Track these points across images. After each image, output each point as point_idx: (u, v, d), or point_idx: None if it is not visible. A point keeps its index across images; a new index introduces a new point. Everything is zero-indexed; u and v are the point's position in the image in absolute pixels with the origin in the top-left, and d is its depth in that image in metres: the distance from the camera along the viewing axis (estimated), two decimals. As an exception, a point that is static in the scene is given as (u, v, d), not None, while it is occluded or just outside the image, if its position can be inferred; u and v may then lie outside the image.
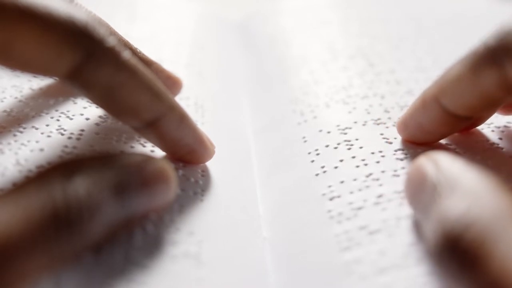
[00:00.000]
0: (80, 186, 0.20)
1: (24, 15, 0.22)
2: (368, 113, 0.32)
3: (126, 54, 0.24)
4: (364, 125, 0.31)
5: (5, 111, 0.29)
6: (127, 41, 0.29)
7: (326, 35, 0.42)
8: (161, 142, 0.26)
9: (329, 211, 0.25)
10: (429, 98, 0.27)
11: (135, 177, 0.22)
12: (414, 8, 0.47)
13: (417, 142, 0.28)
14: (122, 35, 0.28)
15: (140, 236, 0.23)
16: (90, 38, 0.23)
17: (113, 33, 0.26)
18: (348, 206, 0.25)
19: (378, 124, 0.31)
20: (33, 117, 0.29)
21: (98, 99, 0.24)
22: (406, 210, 0.24)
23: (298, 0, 0.50)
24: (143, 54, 0.30)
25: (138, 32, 0.41)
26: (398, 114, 0.31)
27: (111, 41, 0.23)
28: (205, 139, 0.27)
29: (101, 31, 0.23)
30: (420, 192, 0.22)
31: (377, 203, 0.25)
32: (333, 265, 0.23)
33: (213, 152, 0.28)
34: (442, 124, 0.27)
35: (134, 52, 0.29)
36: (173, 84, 0.32)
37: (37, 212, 0.19)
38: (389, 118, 0.31)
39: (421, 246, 0.22)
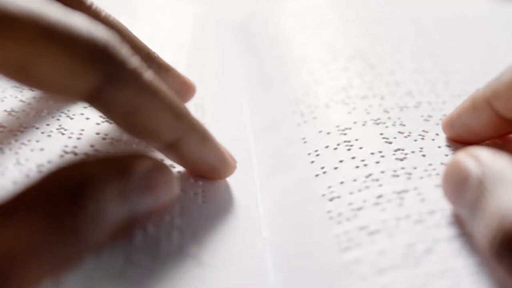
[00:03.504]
0: (86, 194, 0.19)
1: (44, 33, 0.21)
2: (368, 113, 0.32)
3: (147, 75, 0.23)
4: (363, 125, 0.31)
5: (5, 110, 0.29)
6: (145, 45, 0.28)
7: (326, 35, 0.42)
8: (182, 162, 0.26)
9: (329, 211, 0.26)
10: (480, 101, 0.27)
11: (138, 181, 0.21)
12: (414, 9, 0.47)
13: (462, 142, 0.28)
14: (142, 40, 0.27)
15: (140, 236, 0.23)
16: (111, 59, 0.22)
17: (134, 51, 0.24)
18: (347, 206, 0.25)
19: (377, 124, 0.31)
20: (33, 116, 0.29)
21: (118, 121, 0.23)
22: (405, 210, 0.24)
23: (298, 0, 0.50)
24: (161, 59, 0.29)
25: (138, 33, 0.41)
26: (398, 114, 0.31)
27: (132, 63, 0.22)
28: (227, 156, 0.27)
29: (122, 52, 0.22)
30: (463, 188, 0.22)
31: (376, 204, 0.25)
32: (333, 266, 0.23)
33: (235, 168, 0.27)
34: (491, 127, 0.27)
35: (152, 57, 0.29)
36: (187, 90, 0.31)
37: (43, 220, 0.18)
38: (389, 118, 0.31)
39: (420, 245, 0.23)
